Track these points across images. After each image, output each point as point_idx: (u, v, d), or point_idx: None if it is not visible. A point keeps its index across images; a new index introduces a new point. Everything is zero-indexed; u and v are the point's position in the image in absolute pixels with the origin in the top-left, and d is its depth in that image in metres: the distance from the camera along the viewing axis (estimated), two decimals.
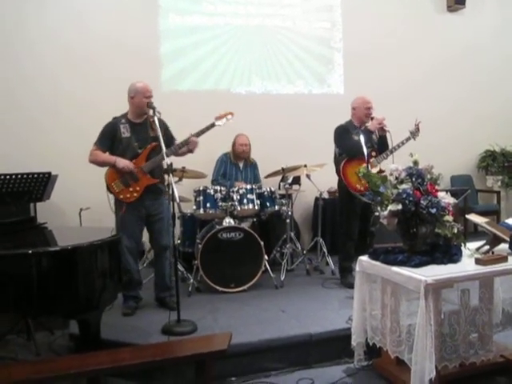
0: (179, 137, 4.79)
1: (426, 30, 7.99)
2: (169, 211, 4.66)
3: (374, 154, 5.29)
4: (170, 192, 4.10)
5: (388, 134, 5.27)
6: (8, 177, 4.18)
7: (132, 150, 4.62)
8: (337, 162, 5.41)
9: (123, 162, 4.54)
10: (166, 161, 4.19)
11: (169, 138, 4.73)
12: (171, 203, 4.17)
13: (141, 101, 4.56)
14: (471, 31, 8.27)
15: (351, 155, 5.24)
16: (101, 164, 4.65)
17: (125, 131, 4.62)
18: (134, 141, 4.63)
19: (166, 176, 4.46)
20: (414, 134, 5.43)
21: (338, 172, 5.36)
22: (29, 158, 6.02)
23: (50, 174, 4.54)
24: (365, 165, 4.88)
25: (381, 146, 5.38)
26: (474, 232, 7.43)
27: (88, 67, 6.57)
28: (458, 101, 8.11)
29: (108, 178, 4.62)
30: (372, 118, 5.34)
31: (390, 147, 5.26)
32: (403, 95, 7.60)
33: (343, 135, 5.32)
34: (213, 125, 4.73)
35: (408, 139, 5.36)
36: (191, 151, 4.78)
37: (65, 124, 6.48)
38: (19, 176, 4.26)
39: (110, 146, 4.64)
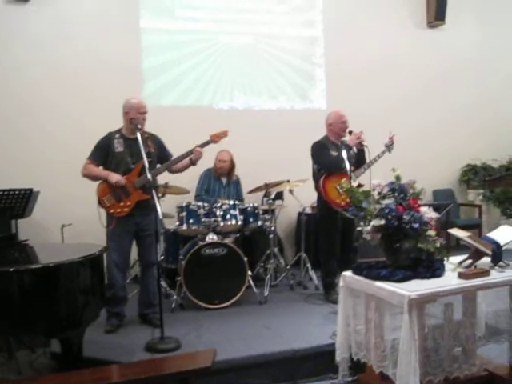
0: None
1: (408, 46, 8.06)
2: (159, 228, 4.72)
3: (352, 168, 5.30)
4: (154, 208, 4.09)
5: (366, 149, 5.29)
6: None
7: (125, 164, 4.62)
8: (316, 178, 5.42)
9: (115, 177, 4.53)
10: (149, 177, 4.19)
11: (165, 155, 4.77)
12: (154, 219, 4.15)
13: (135, 116, 4.57)
14: (453, 47, 8.36)
15: (330, 171, 5.25)
16: (93, 178, 4.64)
17: (118, 146, 4.63)
18: (128, 156, 4.63)
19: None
20: (389, 147, 5.46)
21: (317, 188, 5.37)
22: (11, 172, 5.98)
23: (31, 190, 4.54)
24: (345, 179, 4.90)
25: (359, 161, 5.41)
26: (456, 246, 7.46)
27: (72, 82, 6.53)
28: (440, 116, 8.18)
29: (99, 192, 4.61)
30: (350, 132, 5.35)
31: (368, 161, 5.30)
32: (385, 110, 7.65)
33: (321, 151, 5.33)
34: (208, 142, 4.79)
35: (384, 152, 5.41)
36: (194, 163, 4.78)
37: (48, 138, 6.42)
38: (0, 192, 4.24)
39: (104, 161, 4.64)
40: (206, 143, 4.78)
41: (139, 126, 4.46)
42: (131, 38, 6.83)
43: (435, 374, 3.29)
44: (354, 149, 5.43)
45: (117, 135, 4.67)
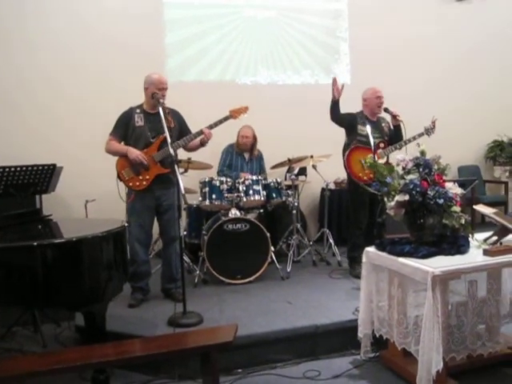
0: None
1: (435, 21, 7.88)
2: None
3: (382, 145, 5.26)
4: (176, 183, 4.10)
5: (402, 125, 5.24)
6: (13, 169, 4.19)
7: (145, 138, 4.65)
8: (343, 150, 5.40)
9: (134, 153, 4.55)
10: (171, 152, 4.19)
11: (185, 131, 4.77)
12: (176, 194, 4.15)
13: (154, 92, 4.57)
14: (482, 21, 8.14)
15: (334, 120, 5.26)
16: (114, 154, 4.68)
17: (139, 120, 4.65)
18: (148, 130, 4.66)
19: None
20: (429, 130, 5.40)
21: (343, 160, 5.34)
22: (35, 147, 6.05)
23: (54, 165, 4.55)
24: (371, 155, 4.86)
25: (395, 137, 5.36)
26: (481, 223, 7.38)
27: (94, 56, 6.54)
28: (467, 93, 8.02)
29: (118, 166, 4.64)
30: (385, 110, 5.34)
31: (404, 139, 5.23)
32: (411, 86, 7.50)
33: (345, 115, 5.31)
34: (227, 118, 4.79)
35: (421, 135, 5.33)
36: (203, 144, 4.80)
37: (72, 113, 6.47)
38: (24, 168, 4.27)
39: (124, 135, 4.67)
40: (225, 119, 4.79)
41: (161, 101, 4.45)
42: (154, 13, 6.79)
43: (458, 351, 3.25)
44: (391, 124, 5.39)
45: (138, 110, 4.69)
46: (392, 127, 5.44)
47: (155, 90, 4.55)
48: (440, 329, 3.05)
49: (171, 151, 4.19)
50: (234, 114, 4.82)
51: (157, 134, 4.63)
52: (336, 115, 5.24)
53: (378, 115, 5.44)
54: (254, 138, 6.46)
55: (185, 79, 6.95)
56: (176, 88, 6.50)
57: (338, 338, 4.08)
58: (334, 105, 5.19)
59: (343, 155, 5.36)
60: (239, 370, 3.82)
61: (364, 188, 4.13)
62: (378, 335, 3.69)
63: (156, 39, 6.79)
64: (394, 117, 5.32)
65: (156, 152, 4.63)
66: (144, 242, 4.73)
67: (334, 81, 5.12)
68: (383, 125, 5.46)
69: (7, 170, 4.18)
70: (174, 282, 4.83)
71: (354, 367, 3.83)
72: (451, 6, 8.05)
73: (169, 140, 4.25)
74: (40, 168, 4.40)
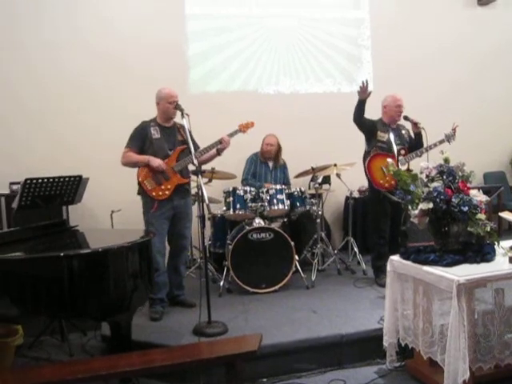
0: (207, 138, 4.81)
1: (458, 26, 7.82)
2: (192, 212, 4.87)
3: (402, 152, 5.24)
4: (200, 193, 4.13)
5: (423, 132, 5.21)
6: (40, 181, 4.26)
7: (163, 151, 4.70)
8: (364, 158, 5.39)
9: (157, 161, 4.61)
10: (195, 162, 4.23)
11: (193, 146, 4.78)
12: (200, 204, 4.18)
13: (164, 106, 4.68)
14: (505, 25, 8.06)
15: (357, 121, 5.24)
16: (134, 165, 4.71)
17: (155, 133, 4.71)
18: (165, 142, 4.71)
19: (195, 177, 4.49)
20: (449, 137, 5.33)
21: (364, 168, 5.33)
22: (63, 159, 6.12)
23: (80, 177, 4.61)
24: (390, 160, 4.85)
25: (416, 144, 5.34)
26: (508, 230, 7.29)
27: (118, 69, 6.61)
28: (491, 98, 7.94)
29: (141, 176, 4.68)
30: (405, 118, 5.31)
31: (425, 146, 5.21)
32: (434, 94, 7.44)
33: (366, 120, 5.29)
34: (236, 131, 4.87)
35: (442, 142, 5.28)
36: (219, 153, 4.83)
37: (98, 125, 6.53)
38: (51, 180, 4.34)
39: (141, 148, 4.70)
40: (235, 132, 4.85)
41: (186, 112, 4.48)
42: (177, 25, 6.86)
43: (485, 360, 3.21)
44: (411, 133, 5.37)
45: (152, 123, 4.75)
46: (413, 135, 5.42)
47: (166, 105, 4.64)
48: (466, 338, 3.02)
49: (195, 162, 4.25)
50: (242, 129, 4.89)
51: (173, 146, 4.74)
52: (359, 116, 5.21)
53: (397, 122, 5.42)
54: (279, 146, 6.48)
55: (208, 90, 7.00)
56: (200, 98, 6.61)
57: (363, 347, 4.07)
58: (360, 104, 5.16)
59: (364, 163, 5.35)
60: (264, 380, 3.83)
61: (386, 195, 4.11)
62: (403, 344, 3.66)
63: (179, 51, 6.85)
64: (415, 124, 5.28)
65: (175, 163, 4.68)
66: (162, 252, 4.78)
67: (366, 82, 5.08)
68: (403, 132, 5.46)
69: (34, 181, 4.25)
70: (182, 289, 4.99)
71: (379, 377, 3.81)
72: (475, 11, 7.98)
73: (192, 150, 4.31)
74: (66, 179, 4.47)
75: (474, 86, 7.88)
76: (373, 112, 5.39)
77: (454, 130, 5.37)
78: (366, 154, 5.37)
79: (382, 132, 5.24)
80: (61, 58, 6.49)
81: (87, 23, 6.58)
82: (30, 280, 3.16)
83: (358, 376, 3.84)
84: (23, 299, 3.18)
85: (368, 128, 5.31)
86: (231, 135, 4.82)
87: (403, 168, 4.83)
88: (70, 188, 4.55)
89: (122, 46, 6.63)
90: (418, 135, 5.33)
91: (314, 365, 3.97)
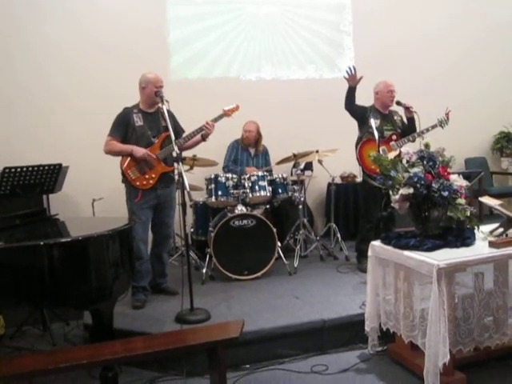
0: (190, 125, 4.79)
1: (441, 12, 7.83)
2: (175, 200, 4.85)
3: (394, 137, 5.26)
4: (181, 180, 4.11)
5: (416, 116, 5.23)
6: (19, 169, 4.21)
7: (146, 138, 4.67)
8: (356, 144, 5.41)
9: (141, 151, 4.57)
10: (176, 150, 4.20)
11: (177, 130, 4.76)
12: (181, 192, 4.16)
13: (151, 91, 4.61)
14: (488, 11, 8.08)
15: (348, 107, 5.24)
16: (117, 154, 4.67)
17: (138, 120, 4.66)
18: (148, 129, 4.67)
19: (175, 165, 4.48)
20: (442, 122, 5.33)
21: (356, 154, 5.36)
22: (39, 150, 6.03)
23: (60, 165, 4.56)
24: (384, 147, 4.88)
25: (409, 130, 5.37)
26: (489, 215, 7.35)
27: (98, 56, 6.53)
28: (473, 85, 7.98)
29: (124, 166, 4.64)
30: (398, 103, 5.34)
31: (417, 131, 5.22)
32: (416, 80, 7.41)
33: (358, 106, 5.31)
34: (221, 116, 4.82)
35: (434, 127, 5.29)
36: (204, 139, 4.79)
37: (76, 114, 6.45)
38: (30, 168, 4.28)
39: (124, 135, 4.66)
40: (219, 117, 4.81)
41: (166, 99, 4.46)
42: (157, 11, 6.78)
43: (465, 343, 3.24)
44: (404, 118, 5.39)
45: (135, 110, 4.70)
46: (405, 120, 5.43)
47: (153, 89, 4.58)
48: (446, 321, 3.05)
49: (176, 149, 4.21)
50: (227, 113, 4.84)
51: (157, 132, 4.69)
52: (350, 103, 5.23)
53: (389, 108, 5.43)
54: (258, 133, 6.48)
55: (189, 77, 6.94)
56: (181, 85, 6.56)
57: (345, 333, 4.09)
58: (350, 91, 5.17)
59: (356, 148, 5.36)
60: (247, 366, 3.84)
61: (366, 180, 4.11)
62: (384, 329, 3.69)
63: (159, 37, 6.78)
64: (407, 109, 5.30)
65: (159, 151, 4.65)
66: (145, 240, 4.76)
67: (353, 69, 5.10)
68: (395, 118, 5.47)
69: (13, 170, 4.20)
70: (165, 277, 5.00)
71: (361, 361, 3.84)
72: None
73: (173, 138, 4.27)
74: (46, 168, 4.42)
75: (458, 72, 7.90)
76: (357, 98, 5.35)
77: (446, 114, 5.36)
78: (358, 139, 5.38)
79: (374, 118, 5.24)
80: (41, 46, 6.39)
81: (74, 9, 6.49)
82: (10, 270, 3.12)
83: (340, 361, 3.87)
84: (4, 289, 3.14)
85: (360, 115, 5.32)
86: (215, 120, 4.77)
87: (395, 153, 4.85)
88: (50, 177, 4.50)
89: (98, 35, 6.52)
90: (411, 120, 5.35)
91: (296, 350, 3.99)
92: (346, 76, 5.13)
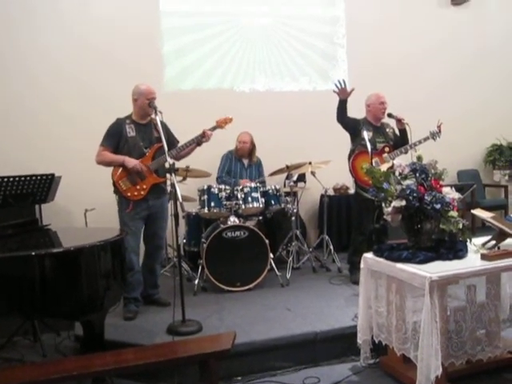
0: (183, 136, 4.79)
1: (433, 28, 7.87)
2: (168, 211, 4.80)
3: (387, 149, 5.27)
4: (173, 191, 4.11)
5: (408, 128, 5.26)
6: (11, 179, 4.18)
7: (138, 149, 4.66)
8: (349, 156, 5.41)
9: (132, 162, 4.57)
10: (169, 161, 4.20)
11: (171, 140, 4.76)
12: (173, 202, 4.15)
13: (143, 103, 4.61)
14: (479, 26, 8.16)
15: (340, 120, 5.25)
16: (108, 164, 4.67)
17: (130, 131, 4.66)
18: (140, 140, 4.67)
19: (168, 175, 4.48)
20: (434, 135, 5.35)
21: (349, 166, 5.36)
22: (32, 160, 6.02)
23: (53, 175, 4.54)
24: (377, 159, 4.88)
25: (401, 141, 5.38)
26: (481, 227, 7.36)
27: (93, 66, 6.53)
28: (466, 98, 8.02)
29: (115, 177, 4.64)
30: (389, 115, 5.35)
31: (410, 143, 5.24)
32: (408, 93, 7.46)
33: (350, 119, 5.31)
34: (214, 127, 4.81)
35: (427, 139, 5.30)
36: (199, 144, 4.78)
37: (69, 124, 6.45)
38: (22, 178, 4.26)
39: (116, 146, 4.65)
40: (213, 129, 4.80)
41: (159, 109, 4.47)
42: (151, 22, 6.80)
43: (457, 356, 3.24)
44: (396, 130, 5.40)
45: (127, 121, 4.70)
46: (397, 132, 5.45)
47: (145, 101, 4.58)
48: (438, 334, 3.04)
49: (169, 160, 4.21)
50: (220, 124, 4.84)
51: (149, 143, 4.69)
52: (342, 116, 5.24)
53: (381, 120, 5.45)
54: (252, 144, 6.50)
55: (183, 88, 6.96)
56: (175, 96, 6.57)
57: (337, 345, 4.08)
58: (341, 104, 5.18)
59: (348, 160, 5.36)
60: (238, 378, 3.82)
61: (359, 193, 4.12)
62: (377, 341, 3.68)
63: (153, 48, 6.79)
64: (399, 120, 5.32)
65: (151, 162, 4.65)
66: (137, 251, 4.75)
67: (343, 82, 5.12)
68: (387, 130, 5.48)
69: (5, 180, 4.18)
70: (157, 288, 4.98)
71: (353, 373, 3.83)
72: (449, 11, 8.04)
73: (166, 148, 4.28)
74: (38, 178, 4.40)
75: (450, 86, 7.95)
76: (349, 110, 5.35)
77: (438, 127, 5.39)
78: (351, 152, 5.39)
79: (367, 130, 5.25)
80: (34, 54, 6.41)
81: (64, 18, 6.51)
82: (0, 280, 3.10)
83: (332, 373, 3.85)
84: None
85: (352, 127, 5.33)
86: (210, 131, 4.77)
87: (388, 165, 4.86)
88: (43, 187, 4.48)
89: (93, 46, 6.54)
90: (403, 132, 5.37)
91: (288, 362, 3.97)
92: (336, 90, 5.15)
